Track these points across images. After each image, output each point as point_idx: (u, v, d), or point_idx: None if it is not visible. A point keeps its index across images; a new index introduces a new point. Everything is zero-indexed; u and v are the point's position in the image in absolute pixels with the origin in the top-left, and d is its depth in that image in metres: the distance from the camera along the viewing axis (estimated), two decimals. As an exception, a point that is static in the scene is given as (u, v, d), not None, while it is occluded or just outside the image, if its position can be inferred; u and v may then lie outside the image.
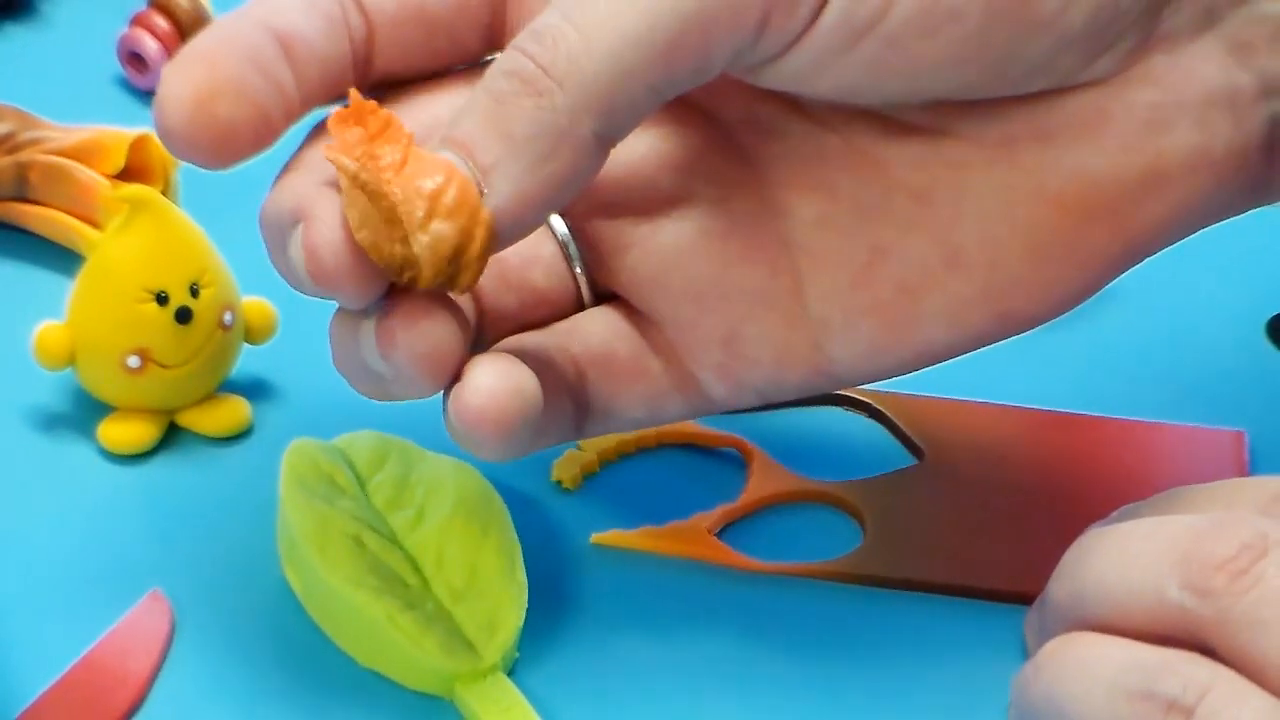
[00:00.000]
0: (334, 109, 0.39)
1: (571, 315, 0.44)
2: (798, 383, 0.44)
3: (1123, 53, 0.41)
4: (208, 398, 0.52)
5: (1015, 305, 0.43)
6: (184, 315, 0.50)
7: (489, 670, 0.44)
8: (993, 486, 0.51)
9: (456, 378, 0.39)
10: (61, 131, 0.58)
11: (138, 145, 0.57)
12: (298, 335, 0.51)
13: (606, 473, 0.51)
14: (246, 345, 0.53)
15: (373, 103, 0.38)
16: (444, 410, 0.39)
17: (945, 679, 0.46)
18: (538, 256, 0.43)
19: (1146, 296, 0.58)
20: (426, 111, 0.41)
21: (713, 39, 0.38)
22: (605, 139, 0.38)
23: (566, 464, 0.51)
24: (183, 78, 0.39)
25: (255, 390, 0.53)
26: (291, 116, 0.40)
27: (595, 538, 0.49)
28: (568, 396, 0.42)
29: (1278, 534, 0.38)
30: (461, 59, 0.42)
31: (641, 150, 0.43)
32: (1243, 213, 0.43)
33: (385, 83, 0.42)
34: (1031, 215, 0.42)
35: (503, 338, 0.43)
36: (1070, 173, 0.41)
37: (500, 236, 0.38)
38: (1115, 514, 0.44)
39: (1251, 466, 0.52)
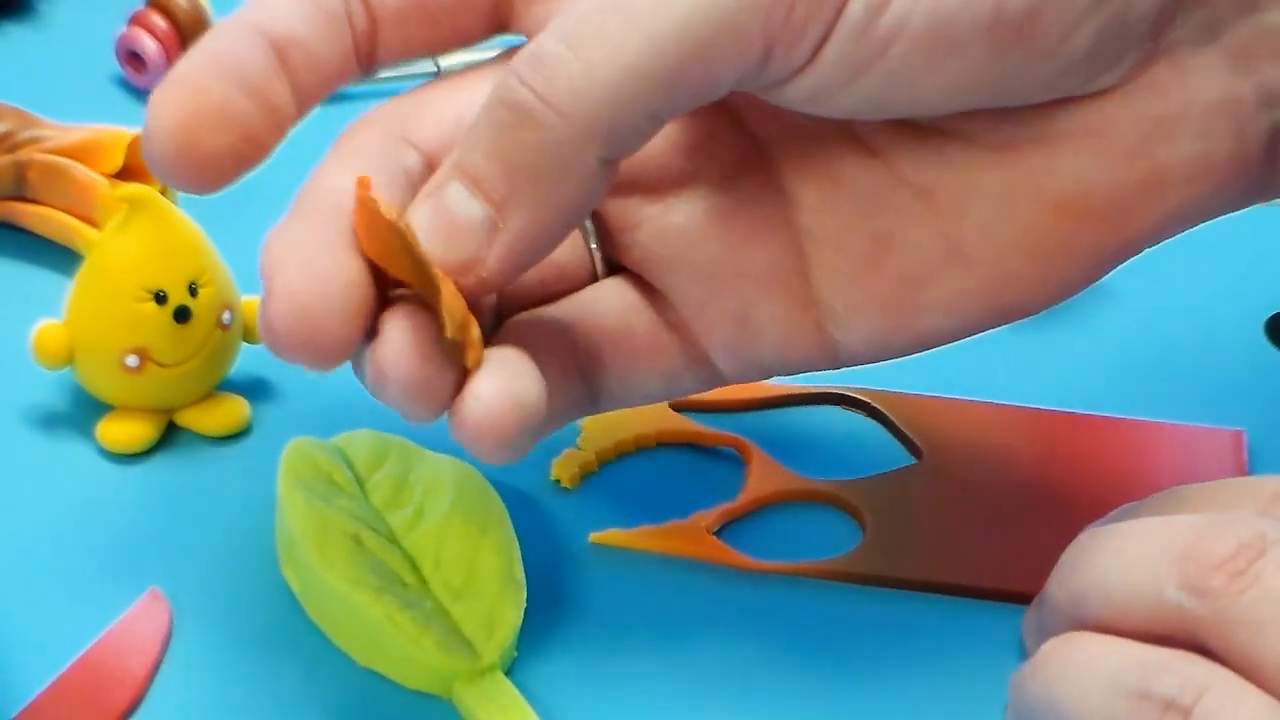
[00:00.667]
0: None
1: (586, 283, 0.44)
2: (803, 361, 0.44)
3: (1127, 67, 0.41)
4: (206, 397, 0.52)
5: (1012, 299, 0.43)
6: (182, 314, 0.50)
7: (487, 669, 0.44)
8: (991, 486, 0.51)
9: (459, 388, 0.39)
10: (60, 130, 0.58)
11: (136, 144, 0.57)
12: (296, 334, 0.51)
13: (605, 472, 0.51)
14: (245, 344, 0.53)
15: (376, 196, 0.38)
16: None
17: (943, 678, 0.46)
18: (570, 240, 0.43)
19: (1146, 296, 0.58)
20: (449, 109, 0.41)
21: (715, 70, 0.38)
22: (611, 161, 0.39)
23: (565, 463, 0.51)
24: (167, 107, 0.38)
25: (254, 389, 0.53)
26: (284, 129, 0.40)
27: (594, 537, 0.49)
28: (579, 376, 0.42)
29: (1276, 534, 0.38)
30: (465, 44, 0.42)
31: None
32: (1237, 211, 0.43)
33: (387, 69, 0.42)
34: (1031, 218, 0.42)
35: (524, 308, 0.43)
36: (1071, 179, 0.41)
37: (524, 262, 0.39)
38: (1113, 513, 0.45)
39: (1250, 466, 0.52)
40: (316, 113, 0.41)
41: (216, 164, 0.39)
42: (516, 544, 0.47)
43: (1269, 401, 0.55)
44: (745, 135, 0.43)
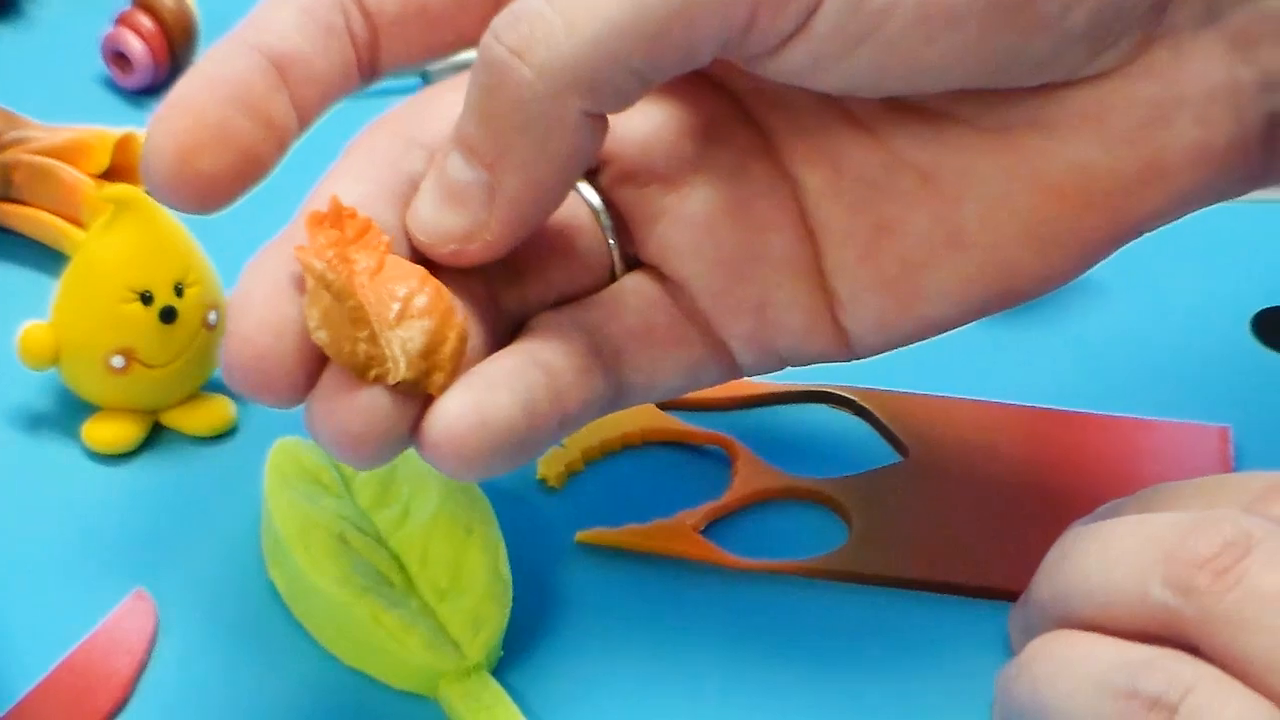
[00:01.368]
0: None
1: (607, 284, 0.43)
2: (819, 351, 0.44)
3: (1125, 48, 0.41)
4: (192, 397, 0.52)
5: (1014, 284, 0.43)
6: (168, 315, 0.50)
7: (473, 669, 0.44)
8: (977, 483, 0.51)
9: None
10: (46, 131, 0.58)
11: (122, 145, 0.57)
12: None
13: (591, 471, 0.51)
14: (231, 344, 0.53)
15: (352, 208, 0.38)
16: None
17: (929, 676, 0.46)
18: (580, 227, 0.43)
19: (1132, 292, 0.58)
20: (456, 107, 0.41)
21: (698, 31, 0.38)
22: (597, 115, 0.39)
23: (551, 462, 0.51)
24: (165, 132, 0.38)
25: (240, 390, 0.53)
26: (286, 144, 0.40)
27: (580, 536, 0.49)
28: (601, 374, 0.42)
29: (1261, 532, 0.38)
30: (467, 47, 0.42)
31: (660, 118, 0.43)
32: (1238, 196, 0.43)
33: (387, 76, 0.42)
34: (1030, 202, 0.42)
35: (545, 307, 0.42)
36: (1070, 163, 0.41)
37: (525, 223, 0.39)
38: (1099, 511, 0.45)
39: (1236, 462, 0.52)
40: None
41: (216, 185, 0.39)
42: (503, 543, 0.47)
43: (1255, 398, 0.55)
44: (750, 124, 0.43)
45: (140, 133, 0.57)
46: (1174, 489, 0.43)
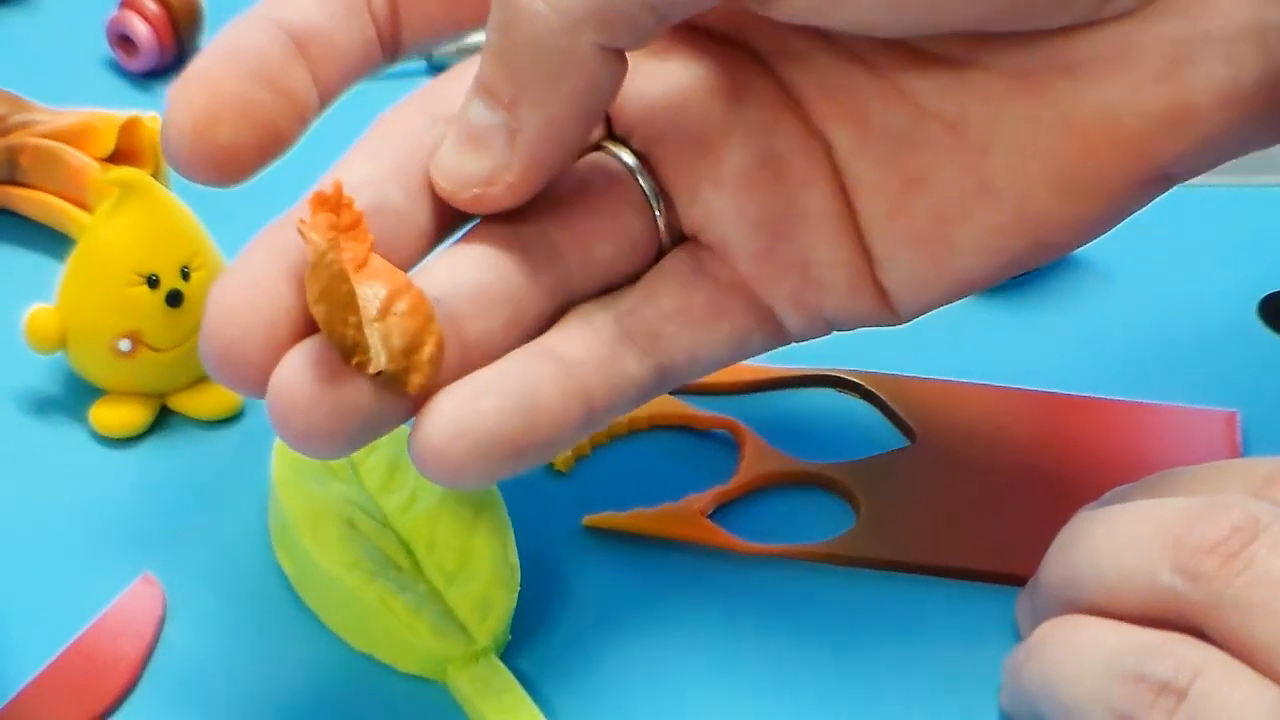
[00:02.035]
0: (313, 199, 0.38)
1: (649, 260, 0.43)
2: (865, 312, 0.44)
3: None
4: (199, 381, 0.52)
5: (1045, 234, 0.42)
6: (175, 298, 0.50)
7: (481, 653, 0.44)
8: (985, 468, 0.51)
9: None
10: (51, 114, 0.58)
11: (128, 128, 0.56)
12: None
13: (598, 455, 0.51)
14: (238, 328, 0.53)
15: (350, 198, 0.38)
16: None
17: (937, 660, 0.46)
18: (627, 204, 0.43)
19: (1139, 277, 0.58)
20: None
21: None
22: (614, 51, 0.39)
23: (558, 446, 0.51)
24: (183, 104, 0.38)
25: (247, 373, 0.53)
26: (307, 118, 0.40)
27: (587, 520, 0.49)
28: (634, 360, 0.42)
29: (1269, 516, 0.38)
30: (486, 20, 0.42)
31: (687, 81, 0.43)
32: (1269, 146, 0.42)
33: (411, 53, 0.42)
34: (1057, 147, 0.41)
35: (591, 290, 0.42)
36: (1096, 106, 0.41)
37: (546, 163, 0.39)
38: (1107, 496, 0.45)
39: (1244, 447, 0.52)
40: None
41: (235, 157, 0.39)
42: (510, 527, 0.47)
43: (1263, 383, 0.55)
44: (777, 83, 0.43)
45: (146, 116, 0.57)
46: (1181, 474, 0.43)
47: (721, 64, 0.43)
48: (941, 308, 0.44)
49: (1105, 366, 0.55)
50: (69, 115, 0.58)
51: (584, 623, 0.47)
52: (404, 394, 0.38)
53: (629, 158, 0.43)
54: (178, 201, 0.51)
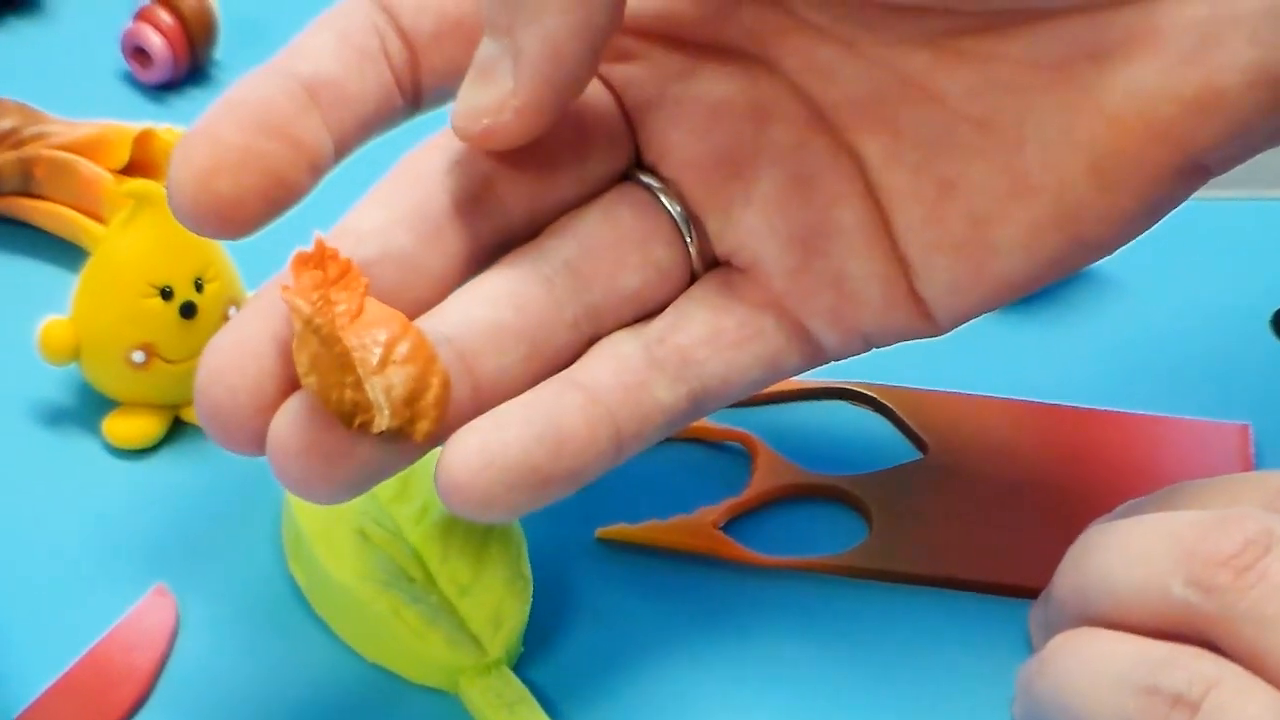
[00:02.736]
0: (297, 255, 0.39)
1: (680, 288, 0.43)
2: (902, 325, 0.44)
3: None
4: (212, 392, 0.52)
5: (1084, 230, 0.42)
6: (188, 310, 0.50)
7: (494, 664, 0.44)
8: (997, 481, 0.51)
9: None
10: (66, 126, 0.58)
11: (142, 140, 0.57)
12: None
13: (611, 467, 0.51)
14: (251, 340, 0.53)
15: (334, 248, 0.38)
16: None
17: (950, 673, 0.46)
18: (655, 233, 0.43)
19: (1152, 290, 0.58)
20: None
21: None
22: None
23: (571, 458, 0.51)
24: (186, 158, 0.38)
25: (260, 385, 0.53)
26: (320, 167, 0.40)
27: (600, 532, 0.49)
28: (665, 386, 0.42)
29: (1282, 529, 0.38)
30: None
31: (712, 102, 0.43)
32: None
33: (436, 100, 0.42)
34: (1091, 136, 0.41)
35: (620, 321, 0.42)
36: (1125, 91, 0.40)
37: (549, 89, 0.39)
38: (1119, 509, 0.45)
39: (1257, 460, 0.52)
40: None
41: (239, 208, 0.38)
42: (523, 539, 0.47)
43: (1276, 396, 0.54)
44: (803, 100, 0.43)
45: (160, 128, 0.57)
46: (1194, 487, 0.43)
47: (747, 83, 0.43)
48: (980, 316, 0.44)
49: (1118, 379, 0.55)
50: (83, 127, 0.58)
51: (596, 634, 0.47)
52: (411, 442, 0.38)
53: (658, 185, 0.43)
54: (191, 213, 0.51)
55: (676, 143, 0.43)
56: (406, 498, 0.48)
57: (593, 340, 0.42)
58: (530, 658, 0.46)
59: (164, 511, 0.50)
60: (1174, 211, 0.43)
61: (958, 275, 0.42)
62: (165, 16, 0.65)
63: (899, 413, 0.53)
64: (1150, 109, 0.40)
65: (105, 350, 0.51)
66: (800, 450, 0.52)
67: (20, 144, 0.58)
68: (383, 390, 0.37)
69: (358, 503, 0.47)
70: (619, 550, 0.49)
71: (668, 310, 0.43)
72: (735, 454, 0.52)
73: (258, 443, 0.38)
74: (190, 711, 0.44)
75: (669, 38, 0.43)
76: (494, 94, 0.40)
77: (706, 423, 0.52)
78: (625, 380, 0.41)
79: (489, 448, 0.38)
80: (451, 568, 0.46)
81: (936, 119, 0.42)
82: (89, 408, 0.52)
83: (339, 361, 0.37)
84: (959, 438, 0.52)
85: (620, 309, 0.42)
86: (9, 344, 0.53)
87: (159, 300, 0.50)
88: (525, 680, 0.44)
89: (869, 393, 0.53)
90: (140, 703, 0.44)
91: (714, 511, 0.50)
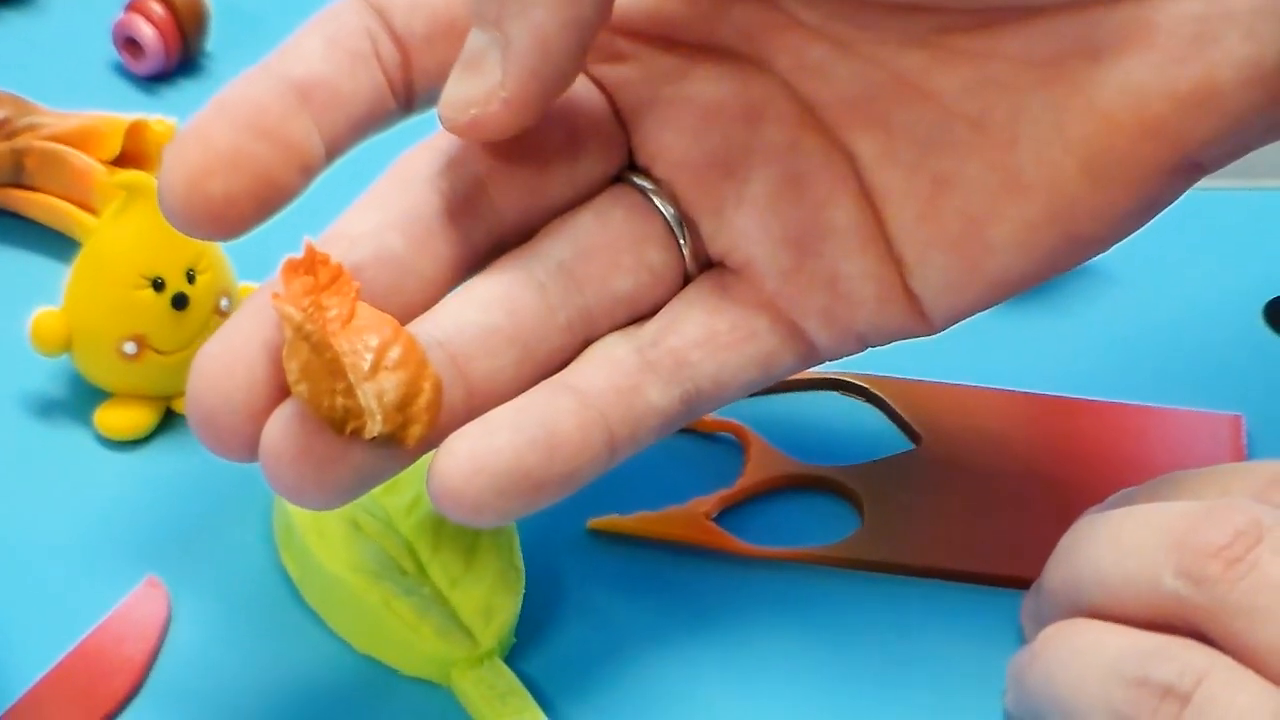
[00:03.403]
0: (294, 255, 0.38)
1: (673, 290, 0.43)
2: (898, 325, 0.44)
3: None
4: (204, 384, 0.52)
5: (1078, 226, 0.42)
6: (180, 301, 0.50)
7: (485, 656, 0.44)
8: (989, 471, 0.51)
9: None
10: (57, 117, 0.58)
11: (134, 131, 0.56)
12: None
13: (603, 458, 0.51)
14: (243, 331, 0.53)
15: (325, 254, 0.38)
16: None
17: (941, 663, 0.46)
18: (648, 235, 0.43)
19: (1144, 280, 0.58)
20: None
21: None
22: None
23: (563, 449, 0.51)
24: (176, 158, 0.39)
25: (252, 376, 0.53)
26: (311, 168, 0.40)
27: (592, 523, 0.49)
28: (657, 389, 0.42)
29: (1273, 520, 0.38)
30: None
31: (705, 103, 0.43)
32: None
33: (429, 101, 0.42)
34: (1084, 133, 0.41)
35: (614, 324, 0.42)
36: (1119, 88, 0.40)
37: (538, 78, 0.39)
38: (1111, 499, 0.45)
39: (1249, 451, 0.52)
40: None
41: (230, 209, 0.38)
42: (515, 531, 0.47)
43: (1267, 386, 0.55)
44: (796, 101, 0.43)
45: (152, 119, 0.57)
46: (1186, 478, 0.43)
47: (739, 83, 0.43)
48: (974, 315, 0.44)
49: (1110, 370, 0.55)
50: (74, 118, 0.58)
51: (588, 626, 0.47)
52: (403, 448, 0.38)
53: (651, 186, 0.43)
54: (183, 204, 0.51)
55: (669, 144, 0.43)
56: (398, 489, 0.48)
57: (586, 343, 0.42)
58: (522, 649, 0.46)
59: (156, 503, 0.50)
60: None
61: (952, 273, 0.42)
62: (156, 8, 0.64)
63: (891, 403, 0.53)
64: (1144, 106, 0.40)
65: (97, 341, 0.51)
66: (792, 441, 0.52)
67: (12, 135, 0.58)
68: (374, 396, 0.37)
69: (349, 494, 0.47)
70: (611, 541, 0.49)
71: (661, 312, 0.43)
72: (727, 445, 0.52)
73: (251, 450, 0.38)
74: (182, 703, 0.44)
75: (661, 38, 0.43)
76: (482, 85, 0.39)
77: (698, 414, 0.52)
78: (618, 383, 0.41)
79: (480, 453, 0.38)
80: (443, 559, 0.46)
81: (930, 117, 0.42)
82: (80, 399, 0.52)
83: (330, 368, 0.37)
84: (951, 428, 0.52)
85: (613, 311, 0.42)
86: (1, 336, 0.53)
87: (151, 291, 0.50)
88: (517, 671, 0.45)
89: (861, 383, 0.53)
90: (132, 694, 0.44)
91: (706, 502, 0.50)
